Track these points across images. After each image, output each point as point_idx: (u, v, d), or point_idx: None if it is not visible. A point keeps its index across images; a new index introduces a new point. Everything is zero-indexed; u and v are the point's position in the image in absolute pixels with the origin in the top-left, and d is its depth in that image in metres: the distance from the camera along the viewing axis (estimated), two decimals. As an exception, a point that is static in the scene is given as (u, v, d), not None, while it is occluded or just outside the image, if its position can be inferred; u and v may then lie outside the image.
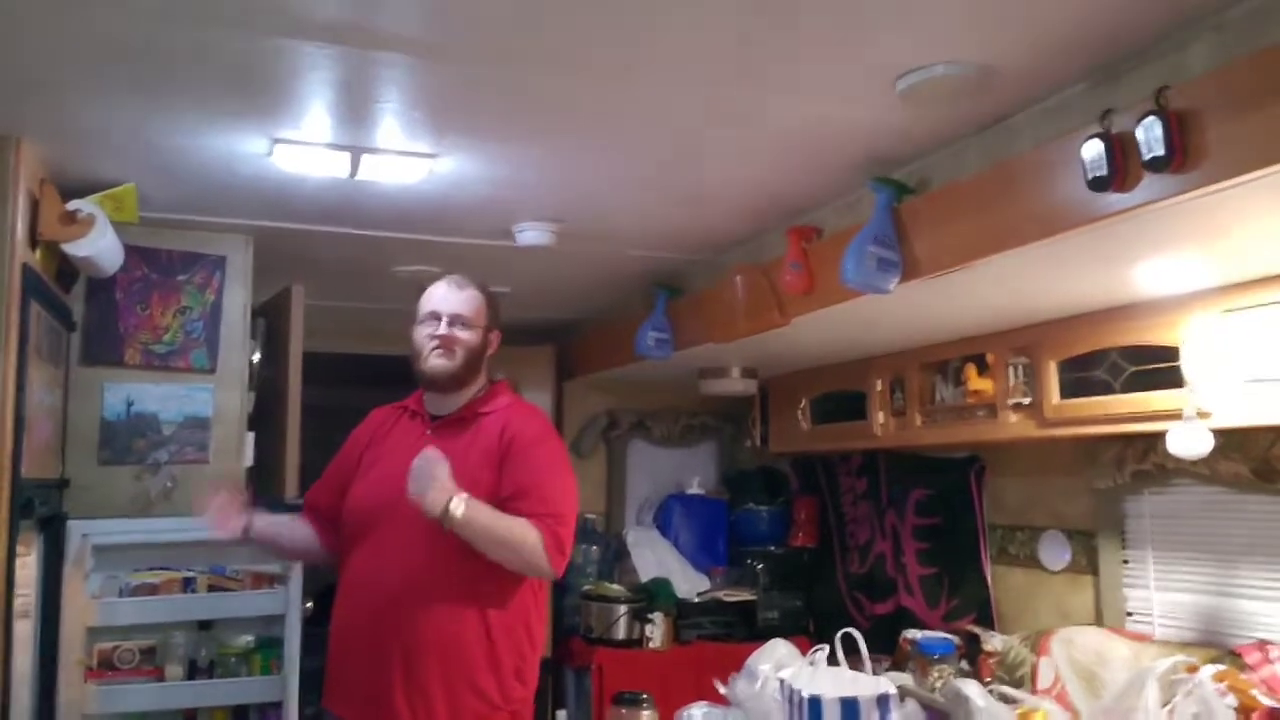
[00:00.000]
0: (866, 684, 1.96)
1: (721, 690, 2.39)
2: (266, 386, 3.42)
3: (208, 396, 3.10)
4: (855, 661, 2.22)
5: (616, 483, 5.20)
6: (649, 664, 4.33)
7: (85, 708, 2.74)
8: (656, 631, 4.40)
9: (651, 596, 4.50)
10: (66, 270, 2.79)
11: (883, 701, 1.90)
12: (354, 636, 2.24)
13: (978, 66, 1.99)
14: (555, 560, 2.18)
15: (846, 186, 2.77)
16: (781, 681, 2.06)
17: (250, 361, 3.28)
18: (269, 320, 3.51)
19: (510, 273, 3.92)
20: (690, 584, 4.70)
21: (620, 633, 4.42)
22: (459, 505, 2.09)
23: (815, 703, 1.89)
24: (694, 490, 5.08)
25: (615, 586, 4.56)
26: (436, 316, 2.33)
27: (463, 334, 2.32)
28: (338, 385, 4.98)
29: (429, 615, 2.17)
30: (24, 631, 2.70)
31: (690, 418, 5.18)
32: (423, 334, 2.33)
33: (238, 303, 3.18)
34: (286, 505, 3.11)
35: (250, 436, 3.19)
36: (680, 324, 3.72)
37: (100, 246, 2.62)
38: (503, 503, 2.18)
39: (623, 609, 4.43)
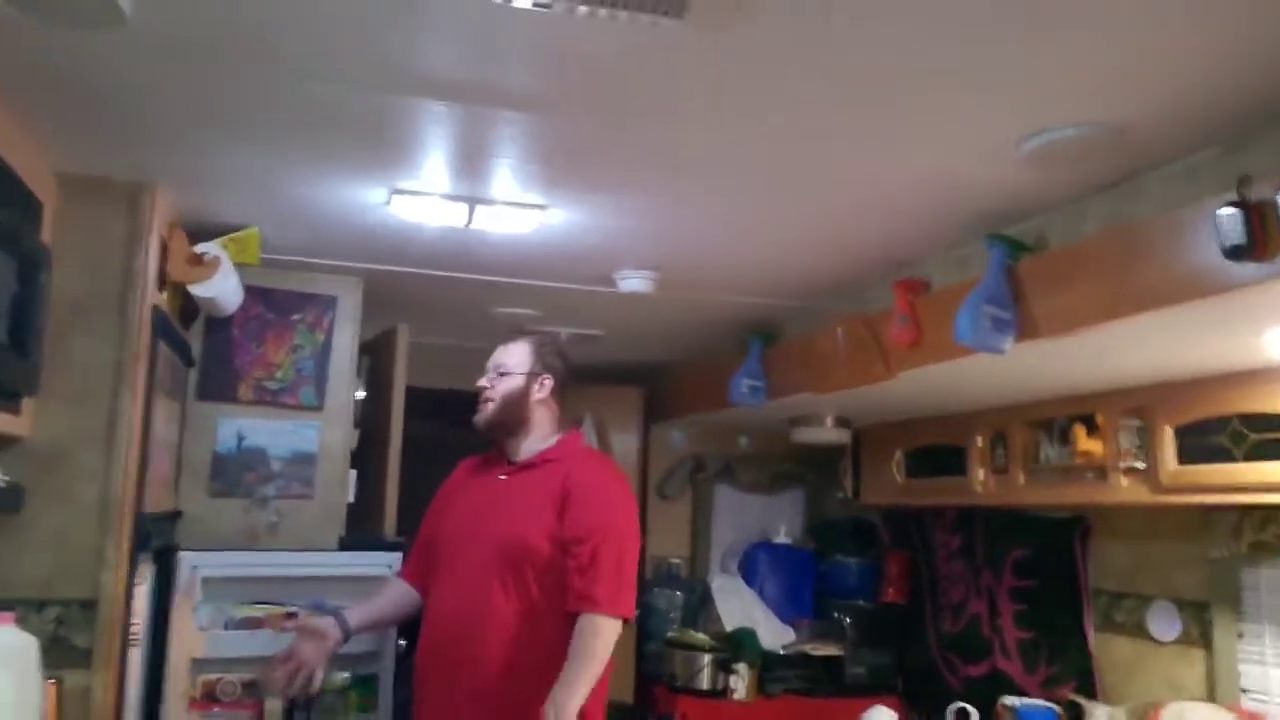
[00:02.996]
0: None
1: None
2: (369, 423, 3.49)
3: (314, 433, 3.17)
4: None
5: (702, 527, 5.15)
6: (734, 715, 4.27)
7: (189, 738, 2.79)
8: (741, 683, 4.33)
9: (736, 646, 4.43)
10: (189, 308, 2.89)
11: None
12: (427, 669, 2.37)
13: (1108, 128, 1.95)
14: (621, 611, 2.26)
15: (957, 240, 2.74)
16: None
17: (355, 399, 3.34)
18: (374, 358, 3.59)
19: (604, 316, 3.95)
20: (775, 635, 4.63)
21: (704, 682, 4.36)
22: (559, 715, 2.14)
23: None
24: (780, 539, 5.01)
25: (700, 635, 4.51)
26: (485, 371, 2.52)
27: (500, 383, 2.48)
28: (436, 418, 5.06)
29: (487, 652, 2.28)
30: (133, 660, 2.77)
31: (778, 464, 5.12)
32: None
33: (346, 342, 3.25)
34: (386, 544, 3.16)
35: (353, 474, 3.25)
36: (774, 371, 3.70)
37: (223, 288, 2.71)
38: (566, 545, 2.30)
39: (707, 658, 4.37)
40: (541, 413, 2.53)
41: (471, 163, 2.25)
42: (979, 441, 3.61)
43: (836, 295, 3.42)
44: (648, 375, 5.09)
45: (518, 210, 2.52)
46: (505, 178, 2.33)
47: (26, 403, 2.18)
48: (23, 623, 2.17)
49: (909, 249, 2.89)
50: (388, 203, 2.49)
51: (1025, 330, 2.39)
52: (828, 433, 4.22)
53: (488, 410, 2.49)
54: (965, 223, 2.58)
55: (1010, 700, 3.34)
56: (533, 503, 2.37)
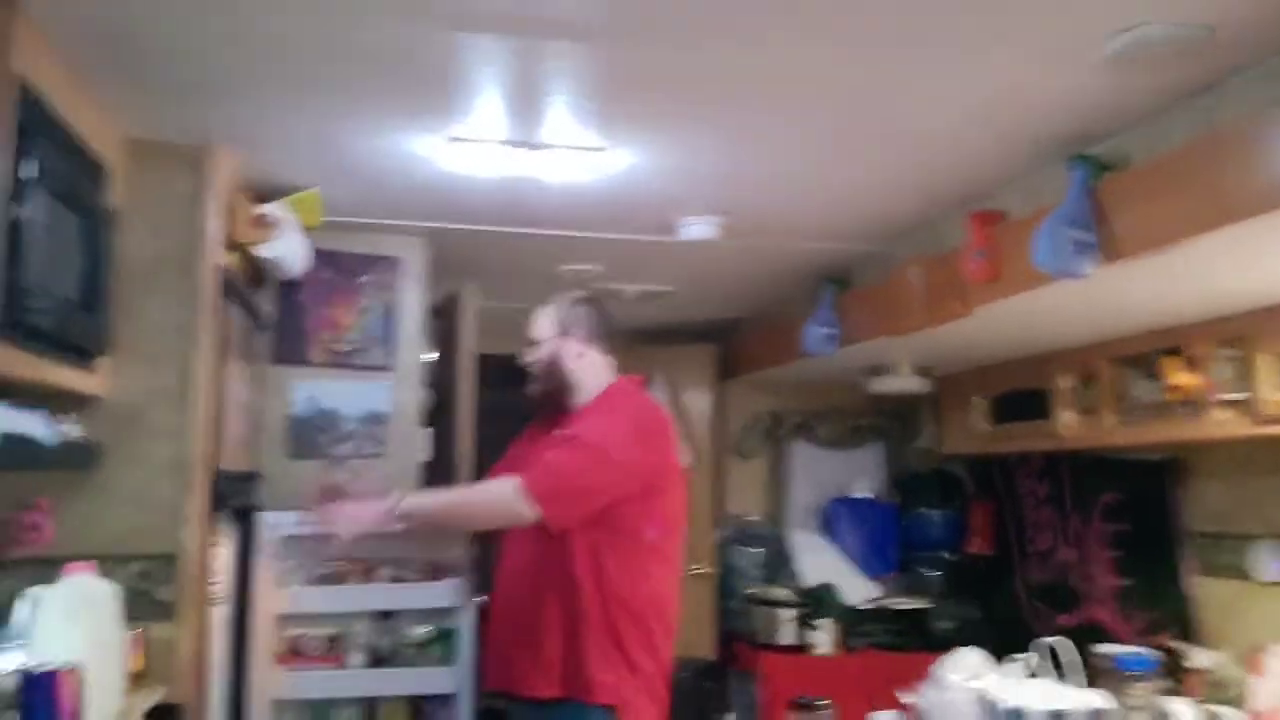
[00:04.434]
0: (1074, 697, 1.80)
1: (906, 699, 2.26)
2: (441, 385, 3.50)
3: (386, 393, 3.19)
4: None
5: (779, 485, 5.09)
6: (817, 670, 4.21)
7: (274, 692, 2.85)
8: (824, 638, 4.27)
9: (818, 602, 4.37)
10: (258, 272, 2.93)
11: (1097, 717, 1.74)
12: (495, 617, 2.47)
13: (1196, 25, 1.81)
14: (539, 503, 2.22)
15: (1032, 166, 2.61)
16: (976, 691, 1.93)
17: (425, 360, 3.36)
18: (442, 320, 3.60)
19: (672, 270, 3.90)
20: (858, 590, 4.55)
21: (786, 638, 4.31)
22: (400, 501, 2.26)
23: (1016, 716, 1.75)
24: (861, 493, 4.92)
25: (781, 591, 4.46)
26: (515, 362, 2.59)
27: (533, 353, 2.52)
28: (509, 386, 5.06)
29: (534, 597, 2.36)
30: (219, 617, 2.84)
31: (856, 418, 5.02)
32: None
33: (413, 302, 3.27)
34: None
35: (426, 432, 3.27)
36: (848, 318, 3.60)
37: (287, 248, 2.73)
38: None
39: (788, 614, 4.32)
40: (584, 370, 2.51)
41: (525, 102, 2.21)
42: (1064, 383, 3.47)
43: (909, 236, 3.31)
44: (719, 332, 5.03)
45: (574, 154, 2.47)
46: (561, 117, 2.29)
47: (101, 362, 2.22)
48: (108, 576, 2.24)
49: (983, 180, 2.77)
50: (444, 153, 2.47)
51: (1108, 252, 2.27)
52: (906, 381, 4.11)
53: (532, 383, 2.54)
54: (1042, 146, 2.45)
55: (1105, 648, 3.22)
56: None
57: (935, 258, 3.02)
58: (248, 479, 2.93)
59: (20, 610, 1.88)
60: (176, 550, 2.29)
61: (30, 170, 1.72)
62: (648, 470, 2.40)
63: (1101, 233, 2.28)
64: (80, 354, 2.12)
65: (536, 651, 2.33)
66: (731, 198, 2.94)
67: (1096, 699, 1.81)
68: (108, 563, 2.24)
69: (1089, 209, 2.29)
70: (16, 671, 1.68)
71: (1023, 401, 3.80)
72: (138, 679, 2.14)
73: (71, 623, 1.79)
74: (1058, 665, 1.98)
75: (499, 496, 2.29)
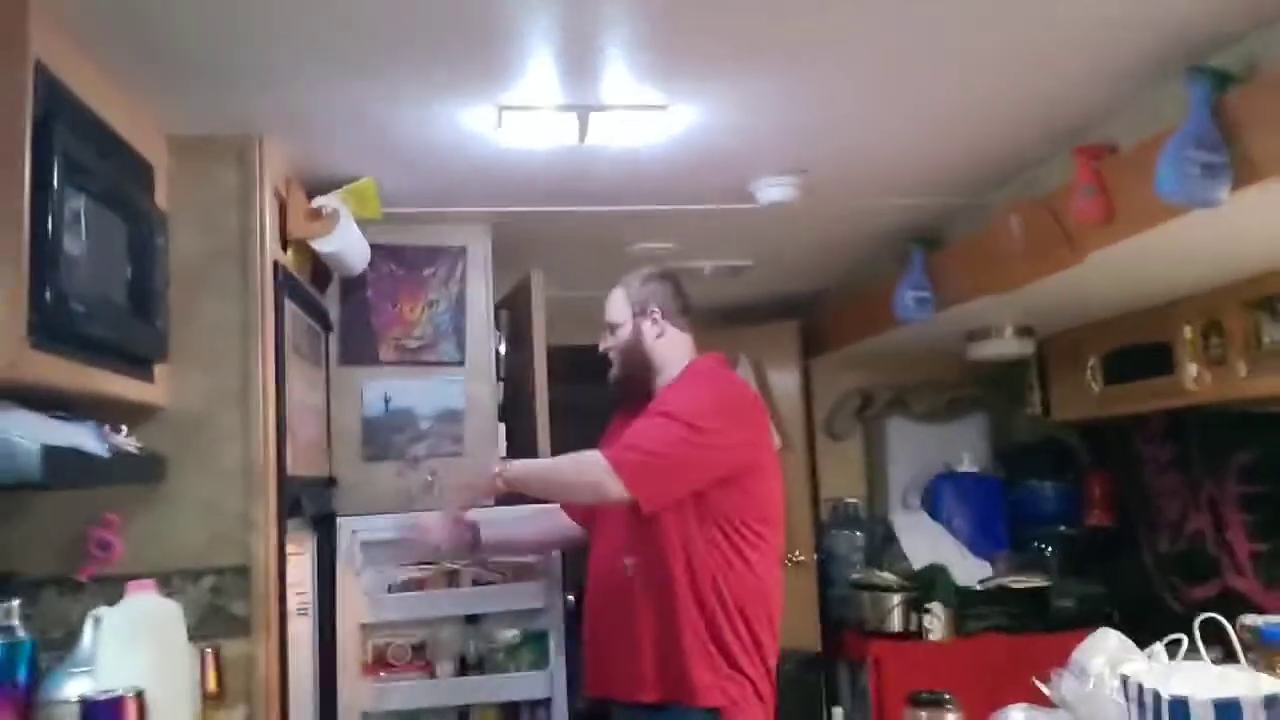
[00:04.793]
0: (1242, 682, 1.57)
1: (1044, 689, 2.03)
2: (514, 378, 3.37)
3: (458, 389, 3.07)
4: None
5: (876, 465, 4.84)
6: (931, 657, 3.97)
7: (363, 704, 2.75)
8: (936, 623, 4.03)
9: (928, 585, 4.12)
10: (320, 271, 2.83)
11: (1273, 704, 1.50)
12: (589, 620, 2.38)
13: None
14: (626, 480, 2.13)
15: (1142, 87, 2.34)
16: (1125, 680, 1.69)
17: (496, 352, 3.23)
18: (512, 311, 3.47)
19: (749, 243, 3.70)
20: (969, 571, 4.28)
21: (896, 624, 4.08)
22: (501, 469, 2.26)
23: (1180, 706, 1.52)
24: (965, 468, 4.64)
25: (887, 575, 4.23)
26: (591, 353, 2.51)
27: (612, 339, 2.42)
28: (584, 381, 4.93)
29: (626, 597, 2.26)
30: (303, 629, 2.75)
31: (955, 389, 4.74)
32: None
33: (480, 292, 3.15)
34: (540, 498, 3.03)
35: (502, 428, 3.14)
36: (942, 279, 3.35)
37: (346, 242, 2.62)
38: None
39: (897, 599, 4.09)
40: (665, 349, 2.40)
41: (578, 60, 2.05)
42: (1187, 333, 3.17)
43: (1004, 182, 3.05)
44: (802, 307, 4.80)
45: (635, 114, 2.30)
46: (618, 74, 2.11)
47: (159, 371, 2.13)
48: (179, 592, 2.15)
49: (1088, 110, 2.51)
50: (498, 126, 2.32)
51: (1242, 175, 2.01)
52: (1008, 344, 3.84)
53: (612, 370, 2.44)
54: (1153, 61, 2.19)
55: (1250, 619, 2.92)
56: None
57: (1036, 201, 2.77)
58: (323, 485, 2.84)
59: (85, 634, 1.80)
60: (248, 561, 2.19)
61: (61, 170, 1.62)
62: (739, 446, 2.26)
63: (1232, 153, 2.02)
64: (137, 363, 2.03)
65: (633, 655, 2.21)
66: (807, 154, 2.73)
67: (1266, 683, 1.57)
68: (178, 578, 2.16)
69: (1215, 128, 2.03)
70: (79, 700, 1.58)
71: (1140, 357, 3.51)
72: (215, 699, 2.03)
73: (135, 645, 1.69)
74: (1194, 644, 1.74)
75: (588, 467, 2.19)
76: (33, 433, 1.57)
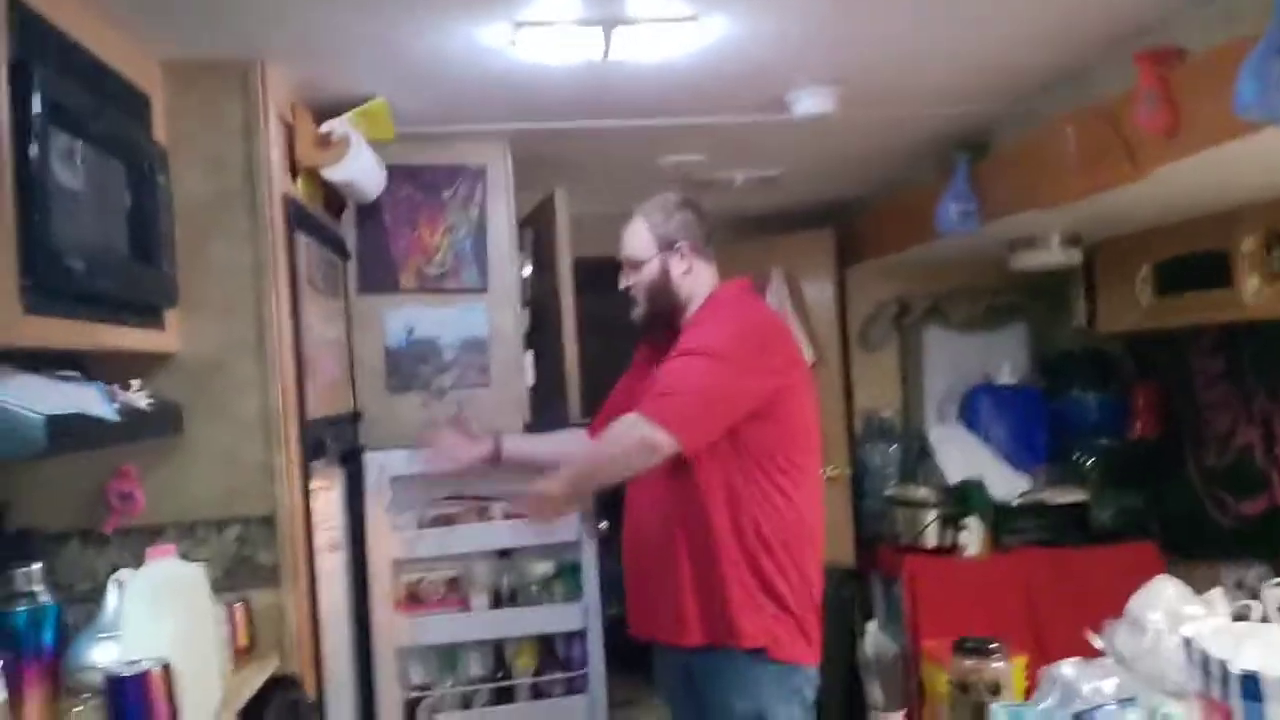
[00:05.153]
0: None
1: (1095, 642, 1.94)
2: (540, 302, 3.26)
3: (482, 316, 2.96)
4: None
5: (912, 376, 4.71)
6: (966, 574, 3.91)
7: (398, 640, 2.74)
8: (972, 538, 3.96)
9: (964, 499, 4.05)
10: (333, 197, 2.70)
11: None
12: (628, 562, 2.31)
13: None
14: (671, 428, 2.04)
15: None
16: (1188, 642, 1.60)
17: (521, 276, 3.11)
18: (536, 230, 3.33)
19: (782, 152, 3.51)
20: (1007, 485, 4.19)
21: (930, 540, 4.02)
22: (546, 486, 2.16)
23: (1251, 682, 1.42)
24: (1004, 379, 4.50)
25: (922, 490, 4.15)
26: (619, 266, 2.32)
27: (637, 276, 2.27)
28: (610, 292, 4.82)
29: (665, 539, 2.19)
30: (336, 564, 2.72)
31: (994, 297, 4.57)
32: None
33: (502, 214, 3.00)
34: (571, 425, 2.95)
35: (528, 356, 3.05)
36: (988, 190, 3.17)
37: (359, 168, 2.49)
38: None
39: (932, 514, 4.02)
40: (692, 283, 2.28)
41: (600, -29, 1.87)
42: (1248, 244, 2.99)
43: (1056, 88, 2.84)
44: (837, 215, 4.61)
45: (662, 26, 2.12)
46: (643, -15, 1.94)
47: (170, 317, 2.04)
48: (205, 544, 2.11)
49: (1151, 8, 2.30)
50: (513, 42, 2.15)
51: (1334, 85, 1.82)
52: (1054, 254, 3.65)
53: (637, 309, 2.30)
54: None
55: (1306, 541, 2.84)
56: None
57: (1093, 110, 2.57)
58: (348, 420, 2.77)
59: (109, 597, 1.75)
60: (273, 510, 2.13)
61: (44, 114, 1.49)
62: (770, 373, 2.17)
63: (1323, 62, 1.82)
64: (144, 312, 1.94)
65: (675, 598, 2.15)
66: (845, 62, 2.54)
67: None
68: (202, 528, 2.11)
69: (1308, 33, 1.84)
70: (105, 677, 1.53)
71: (1196, 268, 3.33)
72: (245, 654, 2.01)
73: (158, 612, 1.63)
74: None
75: (628, 437, 2.09)
76: (35, 400, 1.48)
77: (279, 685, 2.04)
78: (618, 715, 2.89)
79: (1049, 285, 4.33)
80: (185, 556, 2.05)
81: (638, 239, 2.27)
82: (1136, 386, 4.20)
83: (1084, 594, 4.00)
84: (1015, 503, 4.09)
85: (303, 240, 2.34)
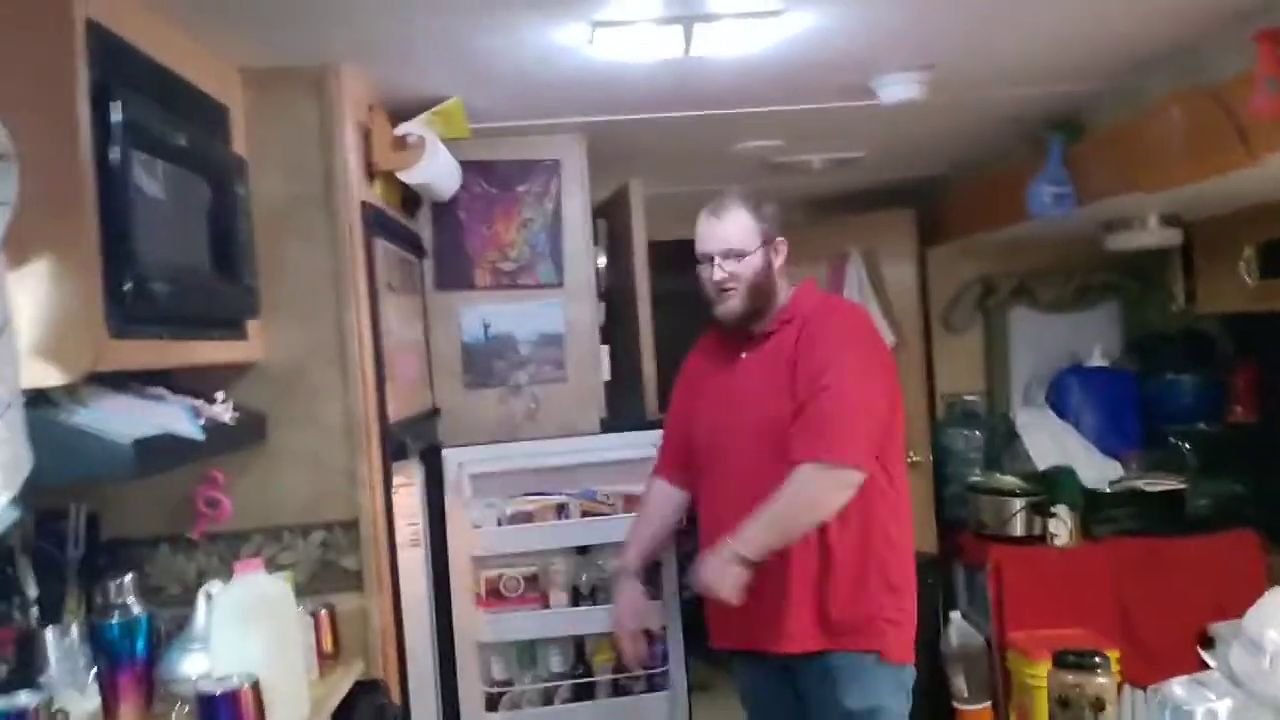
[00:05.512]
0: None
1: (1208, 659, 1.85)
2: (614, 293, 3.22)
3: (558, 311, 2.94)
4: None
5: (998, 358, 4.56)
6: (1055, 564, 3.79)
7: (479, 635, 2.75)
8: (1062, 527, 3.83)
9: (1053, 487, 3.92)
10: (409, 197, 2.69)
11: None
12: None
13: None
14: (841, 458, 2.03)
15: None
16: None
17: (596, 268, 3.07)
18: (609, 220, 3.28)
19: (863, 135, 3.40)
20: (1098, 471, 4.04)
21: (1018, 529, 3.90)
22: (736, 549, 2.03)
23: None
24: (1095, 362, 4.33)
25: (1008, 477, 4.03)
26: (709, 258, 2.20)
27: (738, 268, 2.16)
28: (684, 271, 4.76)
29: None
30: (417, 560, 2.74)
31: (1086, 276, 4.39)
32: (704, 278, 2.22)
33: (577, 207, 2.96)
34: (649, 422, 2.92)
35: (604, 350, 3.01)
36: (1084, 172, 3.03)
37: (436, 169, 2.47)
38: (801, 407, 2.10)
39: (1020, 502, 3.90)
40: (780, 279, 2.26)
41: (680, -30, 1.80)
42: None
43: (1161, 66, 2.68)
44: (919, 194, 4.47)
45: (746, 22, 2.04)
46: (725, -18, 1.86)
47: (252, 326, 2.05)
48: (291, 549, 2.13)
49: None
50: (590, 41, 2.09)
51: None
52: (1152, 235, 3.50)
53: (734, 303, 2.19)
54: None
55: None
56: (777, 375, 2.15)
57: (1202, 91, 2.42)
58: (427, 418, 2.77)
59: (199, 608, 1.77)
60: (356, 515, 2.14)
61: (126, 138, 1.48)
62: (891, 370, 2.25)
63: None
64: (227, 324, 1.94)
65: (782, 603, 2.09)
66: (934, 47, 2.42)
67: None
68: (288, 534, 2.13)
69: None
70: (195, 692, 1.55)
71: (1304, 248, 3.16)
72: (331, 660, 2.02)
73: (246, 628, 1.65)
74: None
75: (810, 485, 2.04)
76: (124, 422, 1.50)
77: (364, 690, 2.06)
78: (693, 700, 2.86)
79: (1143, 264, 4.15)
80: (271, 561, 2.10)
81: (742, 229, 2.17)
82: (1235, 368, 4.02)
83: (1180, 586, 3.86)
84: (1107, 490, 3.95)
85: (381, 243, 2.33)
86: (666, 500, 2.39)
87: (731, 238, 2.17)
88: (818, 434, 2.04)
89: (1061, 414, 4.29)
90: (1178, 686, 1.79)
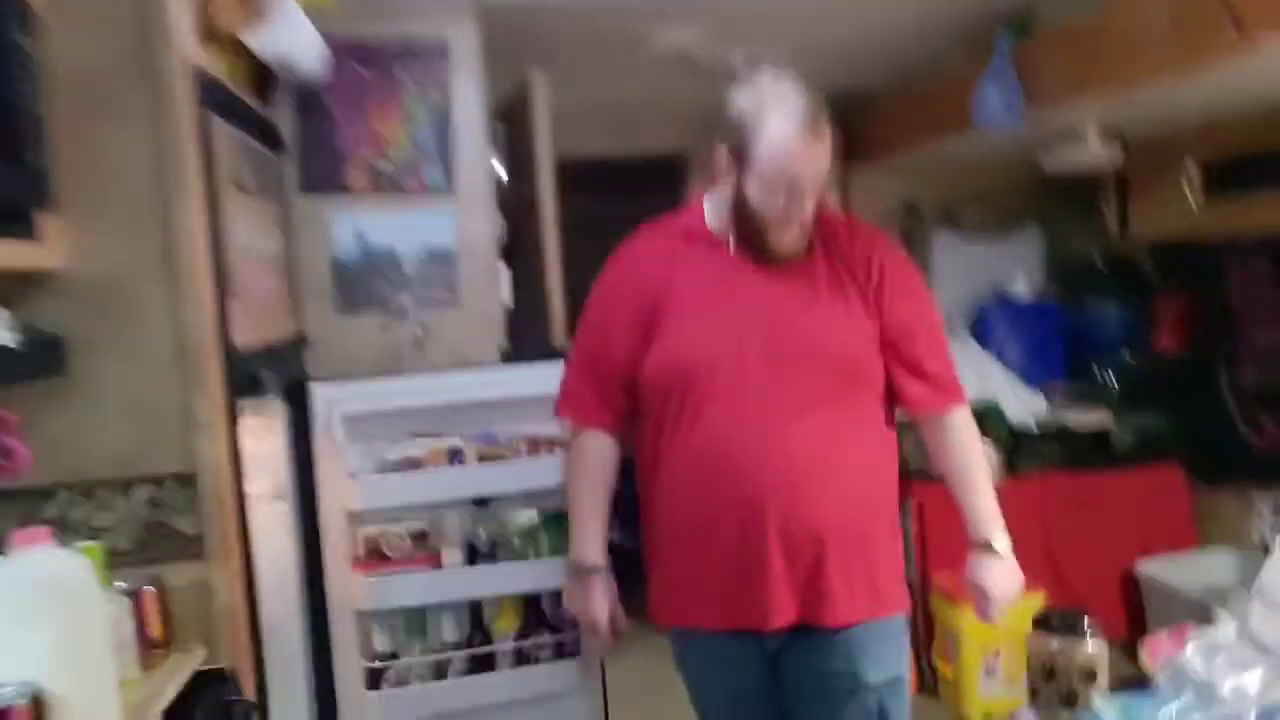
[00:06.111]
0: None
1: (1223, 615, 1.60)
2: (515, 208, 2.80)
3: (449, 223, 2.51)
4: None
5: (920, 285, 4.32)
6: (981, 501, 3.59)
7: (357, 603, 2.35)
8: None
9: (977, 420, 3.70)
10: (263, 75, 2.21)
11: None
12: (716, 533, 1.72)
13: None
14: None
15: None
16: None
17: (494, 176, 2.65)
18: (509, 124, 2.85)
19: (792, 28, 3.04)
20: (1022, 404, 3.85)
21: (940, 466, 3.68)
22: (1003, 541, 1.76)
23: None
24: (1019, 291, 4.14)
25: (931, 413, 3.80)
26: (796, 188, 1.65)
27: (810, 203, 1.68)
28: (591, 192, 4.37)
29: (824, 497, 1.69)
30: (280, 516, 2.32)
31: (1012, 201, 4.16)
32: (772, 203, 1.66)
33: (470, 101, 2.52)
34: (556, 353, 2.54)
35: (504, 271, 2.61)
36: (1036, 74, 2.74)
37: (291, 36, 2.00)
38: (891, 343, 1.73)
39: (944, 438, 3.67)
40: None
41: None
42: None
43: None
44: (843, 106, 4.14)
45: None
46: None
47: (47, 225, 1.57)
48: (108, 509, 1.69)
49: None
50: None
51: None
52: (1092, 154, 3.25)
53: (793, 237, 1.70)
54: None
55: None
56: (821, 296, 1.73)
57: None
58: (290, 349, 2.33)
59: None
60: (193, 466, 1.71)
61: None
62: None
63: None
64: (7, 218, 1.47)
65: (829, 563, 1.71)
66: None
67: None
68: (104, 490, 1.69)
69: None
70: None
71: (1254, 167, 2.96)
72: (160, 648, 1.61)
73: (28, 622, 1.22)
74: None
75: (975, 432, 1.84)
76: None
77: (206, 682, 1.65)
78: (604, 658, 2.49)
79: (1072, 190, 3.95)
80: (84, 525, 1.66)
81: (826, 142, 1.68)
82: (1163, 297, 3.88)
83: (1105, 522, 3.75)
84: (1031, 424, 3.77)
85: (222, 126, 1.86)
86: (609, 458, 1.86)
87: (825, 164, 1.69)
88: (953, 375, 1.79)
89: (984, 345, 4.08)
90: (1193, 655, 1.54)
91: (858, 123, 4.10)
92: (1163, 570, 3.45)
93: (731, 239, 1.76)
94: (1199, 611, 2.98)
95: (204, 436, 1.71)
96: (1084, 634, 1.72)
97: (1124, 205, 3.66)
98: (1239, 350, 3.57)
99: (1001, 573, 1.73)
